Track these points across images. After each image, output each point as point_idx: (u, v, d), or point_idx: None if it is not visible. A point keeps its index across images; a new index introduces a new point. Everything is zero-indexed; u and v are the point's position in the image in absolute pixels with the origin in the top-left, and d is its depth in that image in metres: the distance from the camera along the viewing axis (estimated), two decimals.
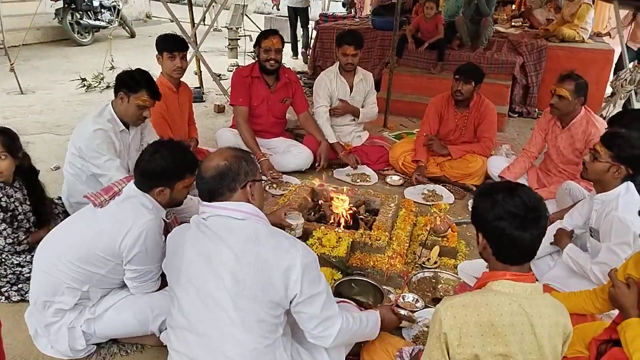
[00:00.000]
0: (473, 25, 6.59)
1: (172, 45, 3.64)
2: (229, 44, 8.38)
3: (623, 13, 6.89)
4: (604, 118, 4.51)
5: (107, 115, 2.91)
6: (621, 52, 6.18)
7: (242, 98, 4.15)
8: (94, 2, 9.74)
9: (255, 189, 1.81)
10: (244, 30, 8.14)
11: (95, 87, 6.72)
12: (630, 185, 2.33)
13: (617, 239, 2.26)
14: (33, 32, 8.94)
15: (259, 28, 9.40)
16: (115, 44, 7.90)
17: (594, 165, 2.35)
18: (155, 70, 3.67)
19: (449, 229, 3.11)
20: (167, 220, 2.29)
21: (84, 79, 6.69)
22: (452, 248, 3.05)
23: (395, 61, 5.79)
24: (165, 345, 1.88)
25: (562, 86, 3.35)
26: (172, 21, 6.86)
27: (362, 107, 4.59)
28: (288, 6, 9.66)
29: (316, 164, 4.29)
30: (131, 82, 2.86)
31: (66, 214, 3.02)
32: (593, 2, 7.17)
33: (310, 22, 9.58)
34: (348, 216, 3.10)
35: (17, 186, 2.60)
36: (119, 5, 10.06)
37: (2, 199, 2.49)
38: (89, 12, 9.79)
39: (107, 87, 6.74)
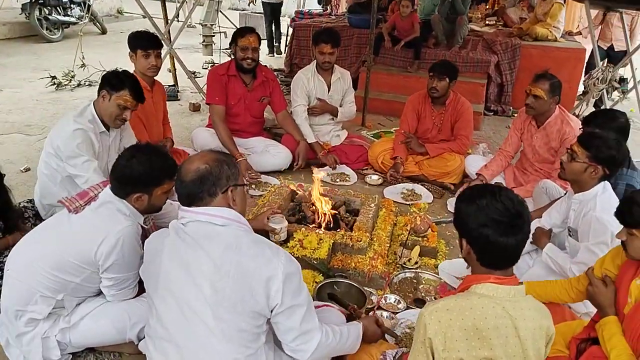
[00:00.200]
0: (448, 23, 6.66)
1: (146, 43, 3.56)
2: (204, 41, 8.26)
3: (593, 13, 7.03)
4: (577, 116, 4.60)
5: (88, 115, 2.84)
6: (592, 51, 6.31)
7: (218, 97, 4.08)
8: None
9: (237, 193, 1.76)
10: (218, 26, 8.03)
11: (65, 85, 6.53)
12: (607, 185, 2.37)
13: (595, 239, 2.30)
14: None
15: (234, 25, 9.28)
16: (86, 41, 7.67)
17: (572, 165, 2.39)
18: (128, 68, 3.57)
19: (429, 229, 3.12)
20: (146, 227, 2.23)
21: (54, 77, 6.48)
22: (433, 248, 3.07)
23: (372, 59, 5.80)
24: (144, 354, 1.83)
25: (537, 86, 3.38)
26: (144, 17, 6.71)
27: (340, 106, 4.58)
28: (263, 2, 9.60)
29: (294, 164, 4.26)
30: (115, 80, 2.79)
31: (38, 217, 2.92)
32: (564, 1, 7.31)
33: (281, 19, 9.72)
34: (329, 217, 3.07)
35: None
36: (89, 1, 9.78)
37: None
38: (57, 8, 9.49)
39: (78, 85, 6.57)
